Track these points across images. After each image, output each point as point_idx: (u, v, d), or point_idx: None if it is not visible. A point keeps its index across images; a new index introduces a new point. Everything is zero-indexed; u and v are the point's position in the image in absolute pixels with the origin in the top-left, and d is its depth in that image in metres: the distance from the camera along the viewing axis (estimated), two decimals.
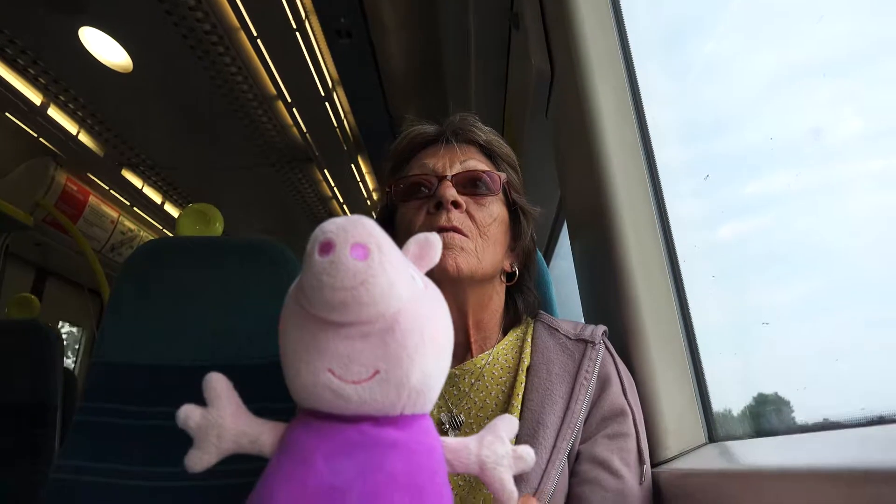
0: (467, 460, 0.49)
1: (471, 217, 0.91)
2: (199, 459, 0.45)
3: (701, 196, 1.16)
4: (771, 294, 1.00)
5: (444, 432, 0.87)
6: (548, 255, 2.21)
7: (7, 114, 2.89)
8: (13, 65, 2.63)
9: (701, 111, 1.22)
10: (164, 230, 4.33)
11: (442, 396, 0.91)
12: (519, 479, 0.77)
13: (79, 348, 4.66)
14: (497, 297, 0.98)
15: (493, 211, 0.94)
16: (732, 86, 1.11)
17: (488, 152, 1.00)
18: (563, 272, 2.15)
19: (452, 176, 0.92)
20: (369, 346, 0.43)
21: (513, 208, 0.99)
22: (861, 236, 0.82)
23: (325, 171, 3.71)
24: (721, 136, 1.14)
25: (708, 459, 0.85)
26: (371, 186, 3.98)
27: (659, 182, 1.09)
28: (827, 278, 0.88)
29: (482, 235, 0.90)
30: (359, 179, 3.84)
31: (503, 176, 0.98)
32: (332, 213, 4.33)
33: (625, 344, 1.00)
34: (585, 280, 1.26)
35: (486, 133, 1.01)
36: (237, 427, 0.46)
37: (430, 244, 0.52)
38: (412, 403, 0.45)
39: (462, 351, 0.94)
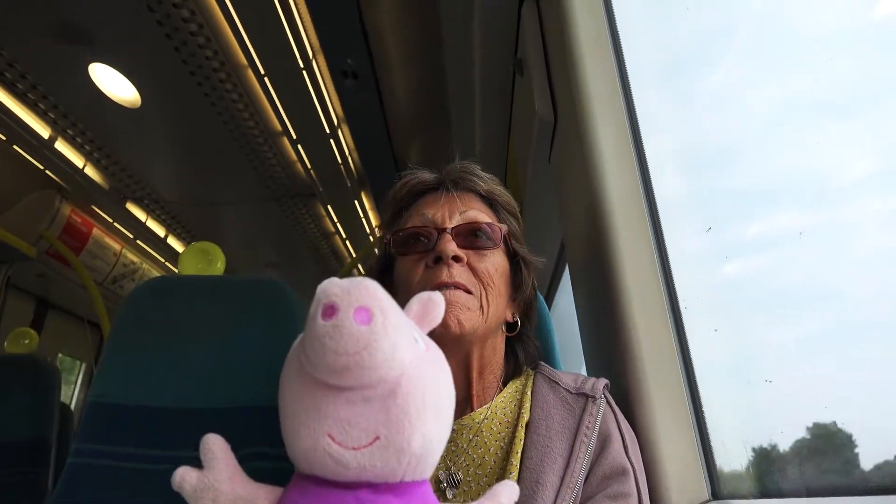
0: None
1: (472, 269, 0.89)
2: None
3: (704, 235, 1.15)
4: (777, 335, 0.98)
5: (441, 491, 0.84)
6: (549, 299, 2.20)
7: (15, 146, 2.91)
8: (23, 98, 2.66)
9: (706, 145, 1.21)
10: (167, 263, 4.33)
11: None
12: None
13: (76, 382, 4.63)
14: (499, 348, 0.96)
15: (495, 262, 0.91)
16: (739, 120, 1.11)
17: (489, 201, 0.98)
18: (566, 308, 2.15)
19: (452, 228, 0.90)
20: (370, 411, 0.42)
21: (514, 258, 0.97)
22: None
23: (329, 206, 3.72)
24: (726, 172, 1.13)
25: None
26: (374, 223, 3.99)
27: (661, 230, 1.08)
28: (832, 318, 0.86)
29: (485, 287, 0.88)
30: (362, 216, 3.85)
31: (504, 228, 0.95)
32: (334, 249, 4.34)
33: (626, 395, 0.98)
34: (587, 328, 1.25)
35: (486, 182, 0.99)
36: (233, 491, 0.45)
37: (434, 303, 0.52)
38: (412, 470, 0.44)
39: (462, 405, 0.92)
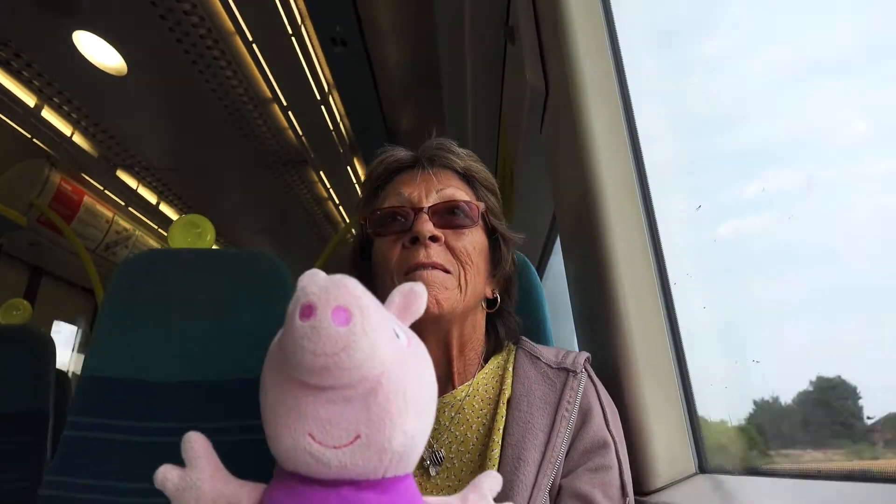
0: None
1: (450, 248, 0.88)
2: None
3: (698, 196, 1.15)
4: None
5: (424, 468, 0.85)
6: (540, 270, 2.20)
7: (1, 115, 2.86)
8: (7, 67, 2.61)
9: (703, 109, 1.20)
10: (160, 230, 4.31)
11: None
12: None
13: (73, 347, 4.65)
14: (479, 325, 0.95)
15: (473, 240, 0.90)
16: (736, 84, 1.09)
17: (467, 178, 0.96)
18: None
19: (429, 207, 0.88)
20: (351, 410, 0.42)
21: (493, 235, 0.96)
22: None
23: (321, 172, 3.70)
24: (723, 136, 1.12)
25: (698, 496, 0.84)
26: None
27: (651, 202, 1.08)
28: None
29: (463, 266, 0.87)
30: (354, 181, 3.82)
31: (482, 205, 0.94)
32: (327, 214, 4.32)
33: (615, 369, 0.99)
34: (578, 299, 1.25)
35: (463, 159, 0.96)
36: (216, 490, 0.45)
37: (416, 295, 0.51)
38: (395, 466, 0.44)
39: (444, 382, 0.92)
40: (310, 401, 0.42)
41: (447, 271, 0.86)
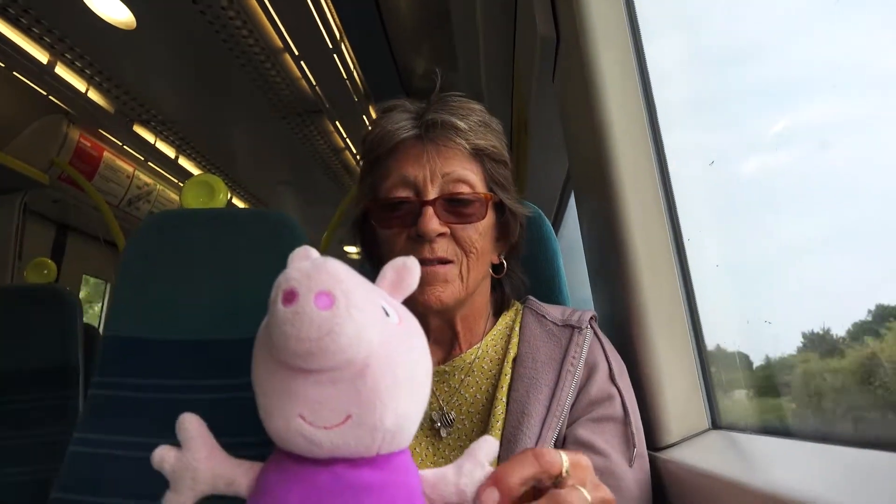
0: (445, 491, 0.48)
1: (455, 239, 0.86)
2: (176, 502, 0.45)
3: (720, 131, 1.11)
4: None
5: (435, 430, 0.87)
6: (556, 223, 2.18)
7: (15, 73, 2.86)
8: (17, 24, 2.59)
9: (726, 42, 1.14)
10: (180, 183, 4.33)
11: (433, 394, 0.90)
12: None
13: (102, 303, 4.76)
14: (484, 292, 0.96)
15: (479, 227, 0.88)
16: (761, 14, 1.03)
17: (474, 153, 0.91)
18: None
19: (435, 199, 0.85)
20: (340, 392, 0.42)
21: (500, 208, 0.94)
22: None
23: (337, 122, 3.66)
24: (747, 69, 1.06)
25: (711, 452, 0.84)
26: None
27: (664, 156, 1.05)
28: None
29: (468, 254, 0.86)
30: None
31: (491, 196, 0.90)
32: (345, 164, 4.30)
33: (628, 324, 0.98)
34: (591, 254, 1.23)
35: (468, 136, 0.89)
36: (212, 470, 0.45)
37: (408, 270, 0.50)
38: (388, 444, 0.45)
39: (450, 346, 0.93)
40: (299, 383, 0.42)
41: (450, 262, 0.85)
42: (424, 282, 0.82)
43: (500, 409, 0.85)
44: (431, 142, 0.88)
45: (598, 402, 0.84)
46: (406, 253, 0.83)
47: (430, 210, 0.84)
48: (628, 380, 0.90)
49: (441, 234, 0.85)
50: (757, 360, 1.00)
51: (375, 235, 0.94)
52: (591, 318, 0.92)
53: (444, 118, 0.88)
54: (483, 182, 0.90)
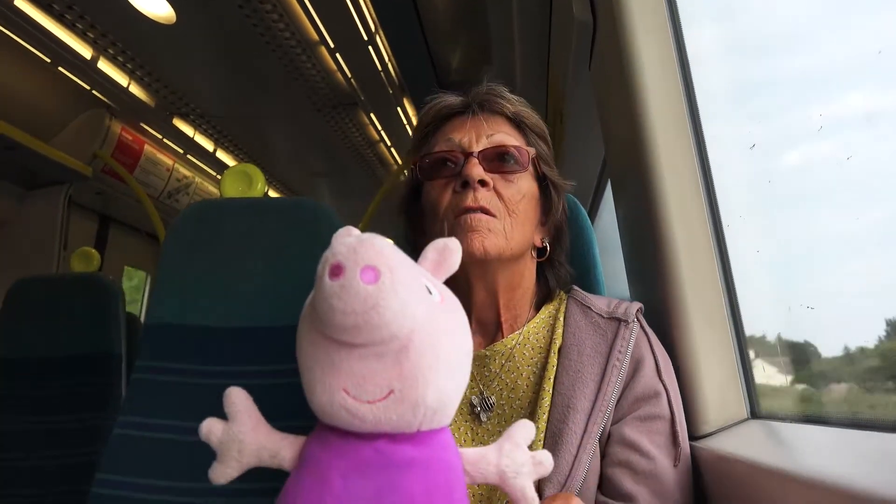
0: (486, 471, 0.49)
1: (498, 195, 0.87)
2: (223, 473, 0.46)
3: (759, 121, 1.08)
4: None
5: (475, 414, 0.87)
6: (592, 212, 2.16)
7: (60, 68, 2.94)
8: (61, 19, 2.65)
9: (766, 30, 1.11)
10: (218, 175, 4.40)
11: (473, 378, 0.90)
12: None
13: (143, 293, 4.86)
14: (528, 273, 0.95)
15: (522, 187, 0.90)
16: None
17: (517, 123, 0.95)
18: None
19: (479, 152, 0.88)
20: (384, 366, 0.43)
21: (543, 182, 0.95)
22: None
23: (371, 115, 3.68)
24: (787, 57, 1.04)
25: (750, 441, 0.83)
26: None
27: (704, 142, 1.03)
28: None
29: (510, 213, 0.87)
30: (405, 122, 3.79)
31: (532, 151, 0.93)
32: (380, 157, 4.32)
33: (666, 312, 0.97)
34: (628, 242, 1.22)
35: (514, 104, 0.95)
36: (257, 442, 0.47)
37: (450, 251, 0.51)
38: (429, 420, 0.45)
39: (493, 330, 0.93)
40: (343, 357, 0.43)
41: (493, 215, 0.85)
42: (468, 228, 0.84)
43: (546, 400, 0.84)
44: (477, 114, 0.93)
45: (645, 399, 0.83)
46: (452, 205, 0.86)
47: (473, 159, 0.87)
48: (674, 376, 0.88)
49: (485, 185, 0.86)
50: (825, 351, 0.97)
51: (422, 214, 0.95)
52: (638, 310, 0.91)
53: (489, 97, 0.95)
54: (525, 147, 0.93)
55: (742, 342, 0.96)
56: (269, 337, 1.30)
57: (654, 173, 1.00)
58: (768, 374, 1.02)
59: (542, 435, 0.80)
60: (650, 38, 1.05)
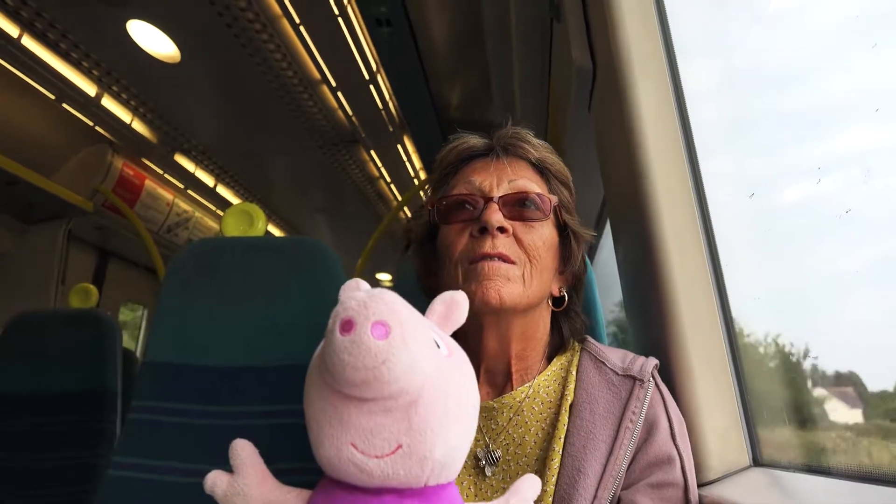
0: None
1: (518, 241, 0.84)
2: None
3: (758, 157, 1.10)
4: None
5: (480, 468, 0.84)
6: (591, 255, 2.16)
7: (64, 104, 2.98)
8: (67, 58, 2.70)
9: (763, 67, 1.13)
10: (218, 211, 4.42)
11: (479, 430, 0.86)
12: None
13: (140, 329, 4.84)
14: (543, 323, 0.92)
15: (543, 234, 0.87)
16: (800, 40, 1.03)
17: (540, 170, 0.93)
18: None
19: (500, 197, 0.85)
20: (392, 421, 0.43)
21: (563, 231, 0.92)
22: None
23: (372, 151, 3.72)
24: (785, 95, 1.05)
25: (752, 489, 0.82)
26: (417, 166, 3.98)
27: (702, 183, 1.04)
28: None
29: (530, 261, 0.84)
30: (405, 159, 3.83)
31: (554, 198, 0.90)
32: (379, 193, 4.35)
33: (666, 357, 0.96)
34: (628, 284, 1.22)
35: (538, 149, 0.93)
36: (263, 496, 0.46)
37: (457, 304, 0.51)
38: (437, 475, 0.45)
39: (502, 381, 0.90)
40: (352, 411, 0.43)
41: (512, 262, 0.83)
42: (483, 276, 0.81)
43: (556, 461, 0.80)
44: (500, 157, 0.91)
45: (657, 465, 0.79)
46: (468, 250, 0.83)
47: (494, 204, 0.84)
48: (688, 440, 0.85)
49: (504, 231, 0.83)
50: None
51: (435, 255, 0.93)
52: (654, 367, 0.87)
53: (514, 140, 0.93)
54: (548, 195, 0.91)
55: (743, 389, 0.96)
56: (268, 376, 1.30)
57: (653, 215, 1.01)
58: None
59: (551, 499, 0.77)
60: (648, 83, 1.07)
